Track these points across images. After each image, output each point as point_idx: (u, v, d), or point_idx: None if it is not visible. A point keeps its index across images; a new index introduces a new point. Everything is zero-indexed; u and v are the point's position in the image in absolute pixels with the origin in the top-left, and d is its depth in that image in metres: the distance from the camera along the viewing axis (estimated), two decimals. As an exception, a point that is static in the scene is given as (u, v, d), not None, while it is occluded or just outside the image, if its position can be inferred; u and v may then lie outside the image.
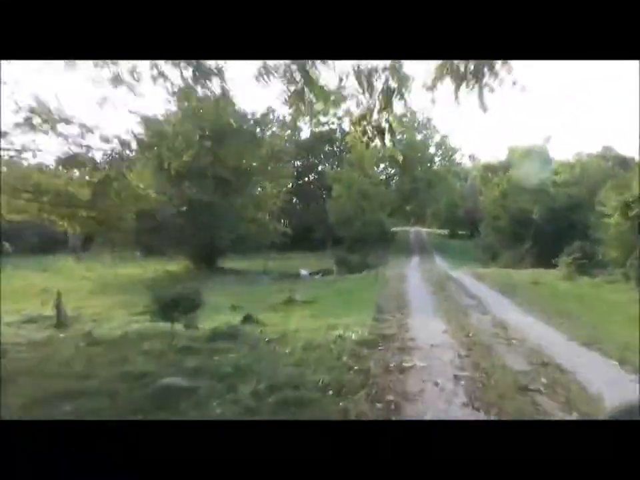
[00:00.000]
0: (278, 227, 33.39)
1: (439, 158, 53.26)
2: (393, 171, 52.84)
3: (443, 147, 52.33)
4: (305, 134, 59.53)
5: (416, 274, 21.18)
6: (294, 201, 62.44)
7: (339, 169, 47.14)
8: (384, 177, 53.62)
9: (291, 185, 62.43)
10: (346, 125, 57.63)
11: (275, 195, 34.09)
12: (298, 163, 59.33)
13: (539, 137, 77.46)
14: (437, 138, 51.92)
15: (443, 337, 8.71)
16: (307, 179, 60.55)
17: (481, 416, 4.90)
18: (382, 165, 52.46)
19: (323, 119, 57.09)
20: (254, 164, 31.61)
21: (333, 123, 56.90)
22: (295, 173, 60.25)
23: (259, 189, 32.50)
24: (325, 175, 48.68)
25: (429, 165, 52.97)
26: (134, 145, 26.39)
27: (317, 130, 56.96)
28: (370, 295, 14.78)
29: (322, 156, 57.73)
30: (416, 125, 52.09)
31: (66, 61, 5.50)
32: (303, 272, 23.97)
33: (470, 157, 63.62)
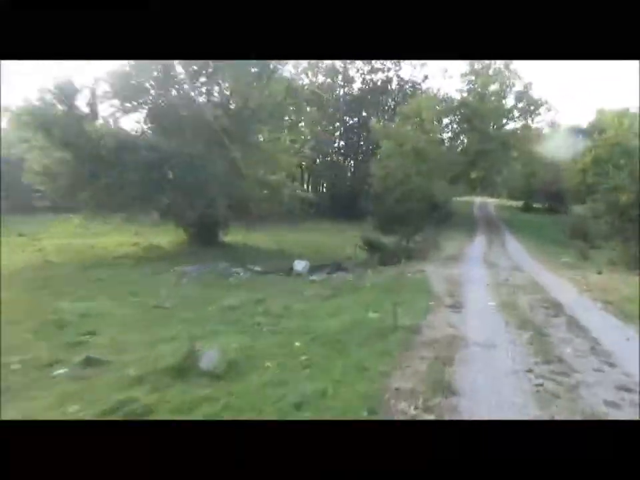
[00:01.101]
0: (298, 192, 24.64)
1: (518, 113, 41.48)
2: (458, 128, 41.85)
3: (524, 100, 40.47)
4: (357, 85, 49.74)
5: (480, 283, 11.81)
6: (344, 161, 53.53)
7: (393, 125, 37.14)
8: (449, 134, 42.84)
9: (338, 142, 53.46)
10: (405, 72, 47.06)
11: (294, 150, 25.19)
12: (348, 118, 49.82)
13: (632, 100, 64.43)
14: (518, 87, 40.02)
15: None
16: (357, 137, 50.93)
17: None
18: (446, 120, 41.67)
19: (377, 64, 46.84)
20: (266, 108, 22.62)
21: (389, 70, 46.55)
22: (342, 130, 51.00)
23: (269, 140, 23.60)
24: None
25: (504, 121, 41.46)
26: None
27: (370, 78, 46.96)
28: (375, 363, 6.00)
29: (375, 110, 47.59)
30: (491, 71, 40.64)
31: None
32: (299, 266, 15.02)
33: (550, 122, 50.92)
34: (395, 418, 4.29)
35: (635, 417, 3.68)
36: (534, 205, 58.05)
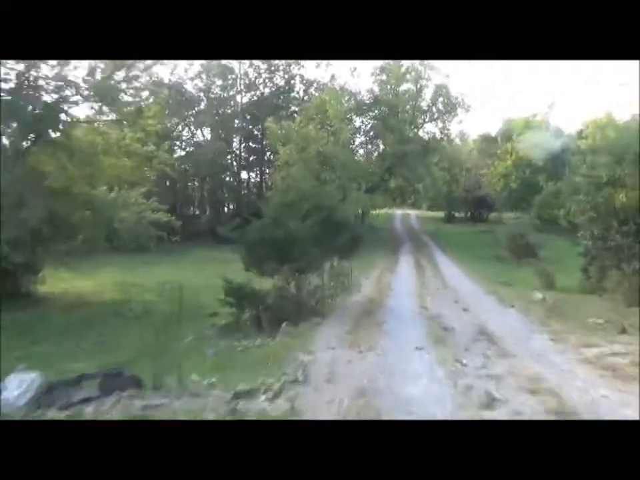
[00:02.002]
0: (148, 214, 16.45)
1: (437, 113, 35.98)
2: (372, 131, 35.47)
3: (442, 98, 35.10)
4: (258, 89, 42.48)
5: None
6: (242, 177, 45.86)
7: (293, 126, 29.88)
8: (362, 138, 36.36)
9: (239, 154, 45.86)
10: (309, 72, 40.66)
11: (145, 153, 17.06)
12: (248, 125, 42.35)
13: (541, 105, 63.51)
14: (436, 80, 34.29)
15: None
16: (260, 146, 43.52)
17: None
18: (357, 123, 35.15)
19: (278, 62, 39.85)
20: (90, 85, 14.49)
21: (290, 68, 39.87)
22: (241, 139, 43.45)
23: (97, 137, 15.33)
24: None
25: (421, 122, 35.78)
26: None
27: (269, 77, 40.04)
28: None
29: (278, 115, 40.47)
30: (403, 69, 34.81)
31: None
32: (13, 390, 6.29)
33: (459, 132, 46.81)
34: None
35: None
36: (455, 215, 53.74)
